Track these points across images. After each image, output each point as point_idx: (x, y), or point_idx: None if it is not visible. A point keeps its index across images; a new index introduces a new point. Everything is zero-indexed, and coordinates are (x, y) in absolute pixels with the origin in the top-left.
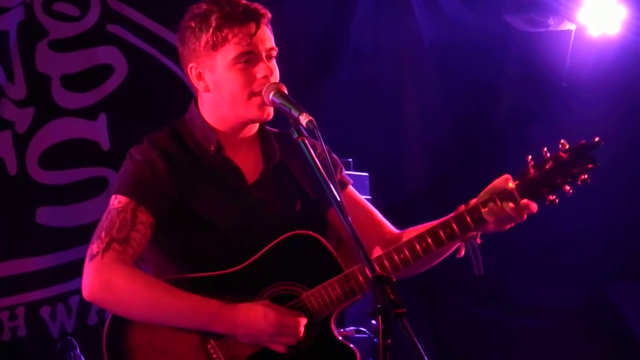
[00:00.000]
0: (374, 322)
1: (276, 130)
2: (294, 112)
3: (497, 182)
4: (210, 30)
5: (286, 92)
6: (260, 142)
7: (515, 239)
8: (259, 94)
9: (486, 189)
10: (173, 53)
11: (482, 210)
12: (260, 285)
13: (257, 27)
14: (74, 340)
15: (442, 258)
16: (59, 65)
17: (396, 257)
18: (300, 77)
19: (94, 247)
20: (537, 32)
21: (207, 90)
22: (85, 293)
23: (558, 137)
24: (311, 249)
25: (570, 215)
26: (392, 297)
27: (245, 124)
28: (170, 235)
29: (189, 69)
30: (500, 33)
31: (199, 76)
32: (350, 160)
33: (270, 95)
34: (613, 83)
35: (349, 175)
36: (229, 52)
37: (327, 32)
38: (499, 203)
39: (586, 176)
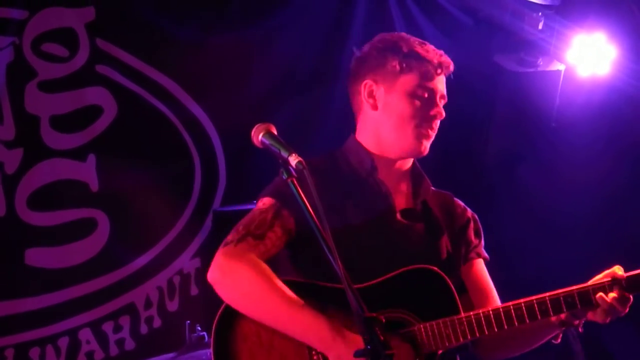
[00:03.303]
0: None
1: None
2: (284, 153)
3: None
4: (401, 55)
5: (275, 132)
6: (411, 177)
7: (507, 274)
8: (421, 130)
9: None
10: (162, 94)
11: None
12: (375, 307)
13: (441, 71)
14: None
15: (536, 344)
16: (48, 106)
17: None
18: (297, 94)
19: (230, 236)
20: (527, 72)
21: (374, 108)
22: (208, 274)
23: (546, 178)
24: (434, 285)
25: (561, 254)
26: (382, 338)
27: (399, 156)
28: (300, 242)
29: (362, 85)
30: (489, 72)
31: (371, 94)
32: None
33: (260, 136)
34: (602, 124)
35: None
36: (412, 79)
37: (325, 52)
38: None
39: None
